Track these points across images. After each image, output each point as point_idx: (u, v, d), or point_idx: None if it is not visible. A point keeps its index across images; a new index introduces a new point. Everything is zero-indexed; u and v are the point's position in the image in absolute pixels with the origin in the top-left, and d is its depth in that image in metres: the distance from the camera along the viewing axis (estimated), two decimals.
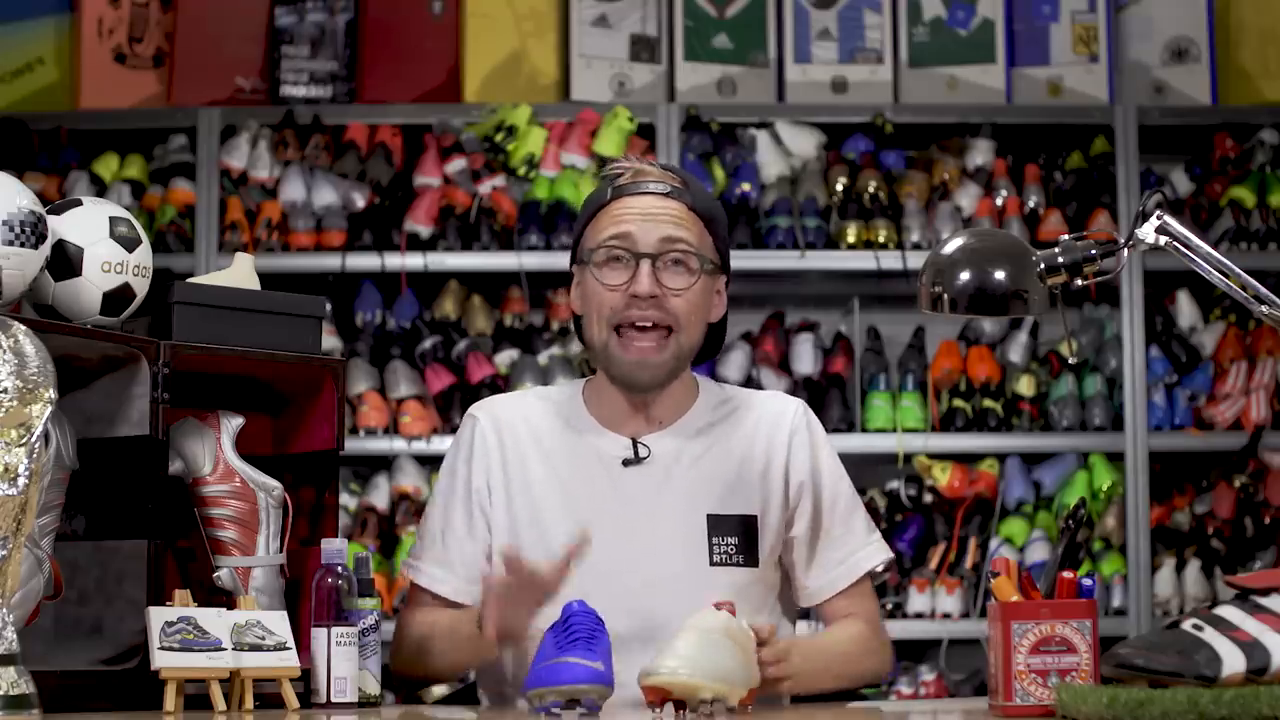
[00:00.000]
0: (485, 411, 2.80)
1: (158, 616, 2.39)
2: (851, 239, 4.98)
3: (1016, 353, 5.05)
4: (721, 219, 2.78)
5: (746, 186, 5.01)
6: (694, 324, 2.70)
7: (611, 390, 2.74)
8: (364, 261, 4.94)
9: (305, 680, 2.53)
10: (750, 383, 4.94)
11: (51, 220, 2.48)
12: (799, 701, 2.82)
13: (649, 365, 2.68)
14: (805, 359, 5.03)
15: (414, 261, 4.95)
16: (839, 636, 2.78)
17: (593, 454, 2.73)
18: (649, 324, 2.66)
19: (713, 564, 2.69)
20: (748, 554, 2.71)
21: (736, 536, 2.70)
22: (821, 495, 2.76)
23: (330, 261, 4.94)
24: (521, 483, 2.72)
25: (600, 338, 2.70)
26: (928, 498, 4.98)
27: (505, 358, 4.98)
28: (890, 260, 4.95)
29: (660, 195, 2.70)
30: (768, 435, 2.76)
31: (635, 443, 2.73)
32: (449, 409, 4.90)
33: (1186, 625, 2.00)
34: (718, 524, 2.70)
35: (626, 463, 2.72)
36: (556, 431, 2.75)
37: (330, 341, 4.82)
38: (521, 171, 5.03)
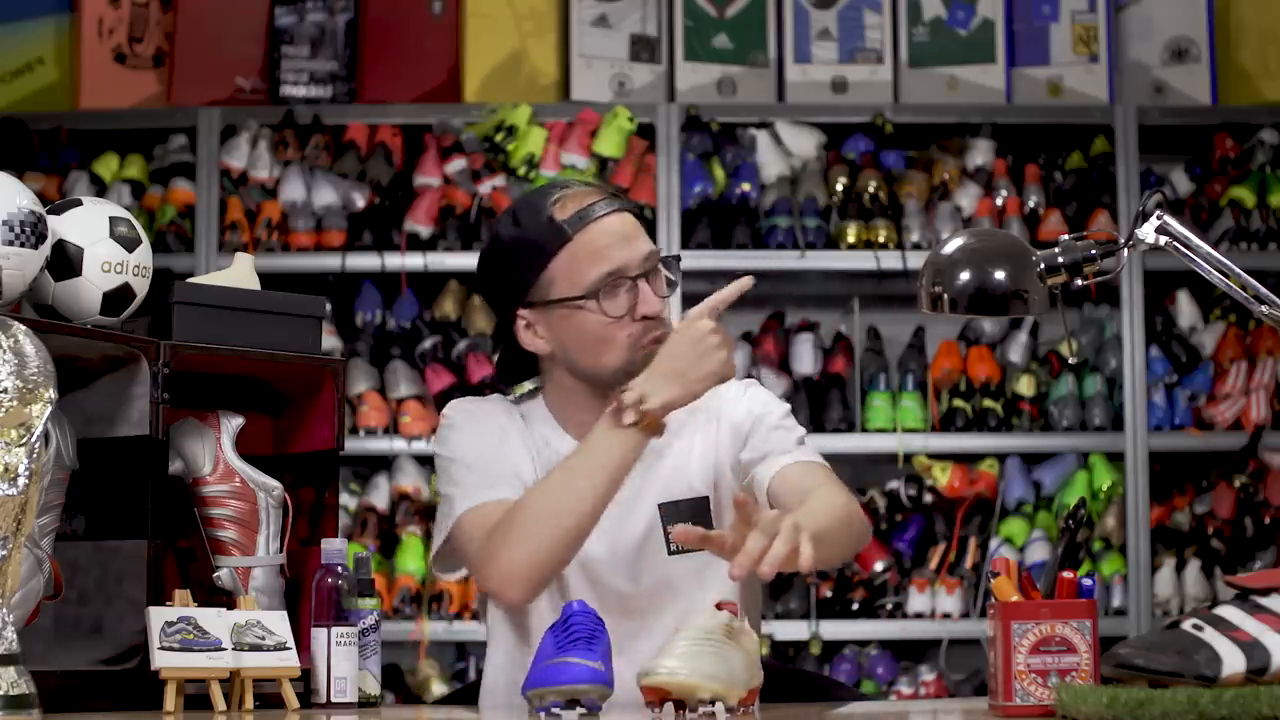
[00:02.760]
0: (467, 402, 2.81)
1: (158, 616, 2.39)
2: (851, 239, 4.98)
3: (1016, 353, 5.05)
4: None
5: (746, 186, 5.01)
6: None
7: (584, 401, 2.71)
8: (364, 261, 4.95)
9: (305, 680, 2.53)
10: None
11: (51, 220, 2.48)
12: (800, 701, 2.82)
13: None
14: (805, 359, 5.03)
15: (414, 261, 4.95)
16: (816, 496, 2.63)
17: (558, 460, 2.73)
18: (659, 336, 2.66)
19: (670, 554, 2.69)
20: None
21: (689, 521, 2.68)
22: (762, 421, 2.74)
23: (330, 261, 4.94)
24: (506, 466, 2.70)
25: (620, 363, 2.66)
26: (928, 498, 4.98)
27: None
28: (890, 260, 4.95)
29: (619, 212, 2.69)
30: (711, 417, 2.75)
31: None
32: None
33: (1186, 625, 2.00)
34: (670, 512, 2.69)
35: None
36: (533, 437, 2.74)
37: (330, 341, 4.82)
38: (521, 171, 5.03)
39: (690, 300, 5.03)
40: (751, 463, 2.70)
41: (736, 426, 2.74)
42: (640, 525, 2.69)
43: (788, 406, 2.80)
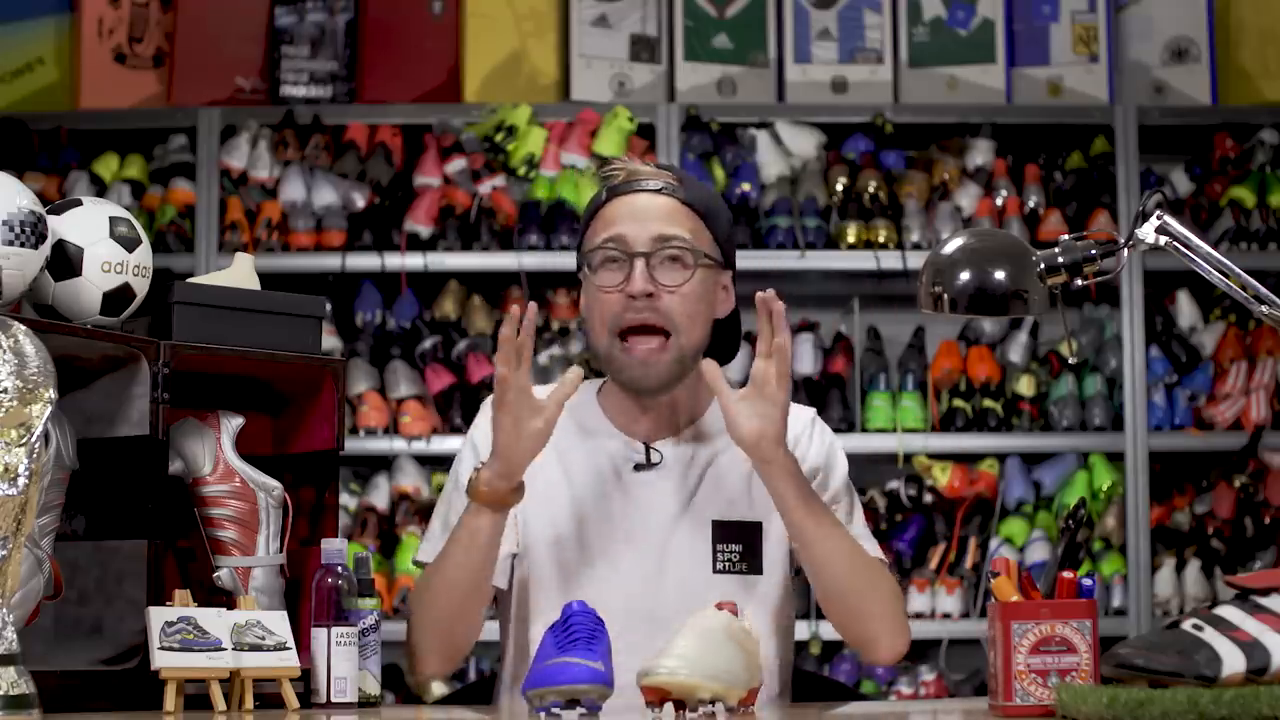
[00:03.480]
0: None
1: (158, 616, 2.39)
2: (851, 239, 4.98)
3: (1016, 353, 5.05)
4: (721, 214, 2.75)
5: (746, 186, 5.01)
6: (694, 322, 2.68)
7: (621, 394, 2.73)
8: (364, 261, 4.95)
9: (305, 680, 2.53)
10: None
11: (51, 220, 2.48)
12: (797, 701, 2.82)
13: (652, 368, 2.66)
14: (805, 359, 5.03)
15: (414, 261, 4.95)
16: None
17: (604, 456, 2.72)
18: (646, 326, 2.65)
19: (715, 571, 2.68)
20: (750, 561, 2.69)
21: (740, 544, 2.68)
22: (827, 488, 2.75)
23: (330, 261, 4.94)
24: (535, 477, 2.71)
25: (604, 344, 2.68)
26: (928, 498, 4.98)
27: None
28: (890, 260, 4.95)
29: (652, 193, 2.68)
30: None
31: (648, 447, 2.72)
32: (449, 409, 4.91)
33: (1186, 625, 2.00)
34: (722, 531, 2.68)
35: (638, 467, 2.71)
36: (570, 431, 2.72)
37: (330, 341, 4.82)
38: (521, 171, 5.03)
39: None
40: None
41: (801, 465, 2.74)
42: (686, 536, 2.68)
43: (845, 461, 2.80)
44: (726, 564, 2.68)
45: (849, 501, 2.77)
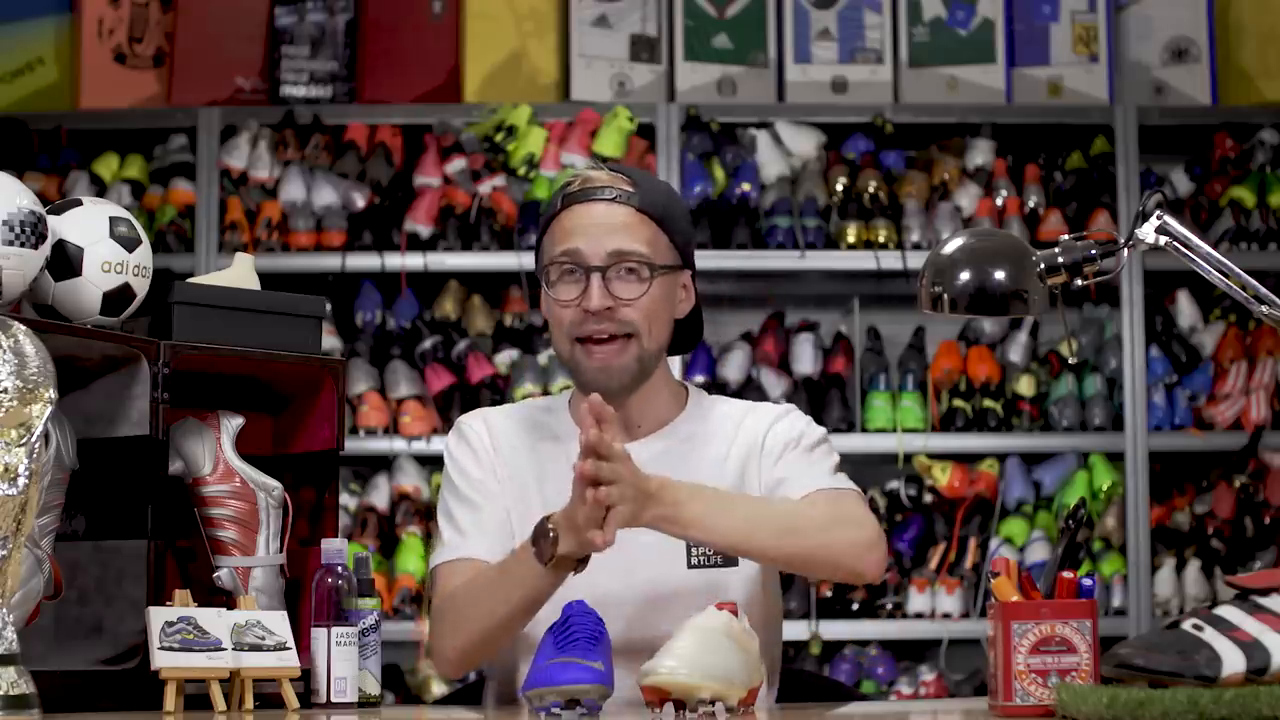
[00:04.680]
0: (475, 419, 2.81)
1: (158, 616, 2.39)
2: (851, 239, 4.98)
3: (1016, 353, 5.05)
4: (678, 215, 2.73)
5: (746, 186, 5.01)
6: (655, 327, 2.67)
7: (579, 397, 2.73)
8: (364, 261, 4.95)
9: (305, 680, 2.53)
10: (750, 382, 4.94)
11: (51, 220, 2.48)
12: (799, 701, 2.82)
13: (612, 370, 2.66)
14: (805, 359, 5.03)
15: (414, 261, 4.95)
16: (783, 499, 2.67)
17: (575, 460, 2.71)
18: (606, 335, 2.65)
19: (690, 566, 2.67)
20: (727, 555, 2.68)
21: (715, 550, 2.67)
22: (796, 445, 2.72)
23: (330, 261, 4.94)
24: (513, 487, 2.71)
25: (565, 350, 2.69)
26: (928, 498, 4.98)
27: (505, 358, 4.99)
28: (890, 260, 4.95)
29: (607, 202, 2.66)
30: (750, 437, 2.73)
31: None
32: (449, 409, 4.90)
33: (1186, 625, 2.00)
34: None
35: None
36: (540, 440, 2.74)
37: (330, 341, 4.82)
38: (521, 171, 5.03)
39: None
40: (778, 483, 2.69)
41: (769, 452, 2.73)
42: (654, 537, 2.66)
43: (822, 432, 2.77)
44: (701, 559, 2.67)
45: (812, 455, 2.73)
